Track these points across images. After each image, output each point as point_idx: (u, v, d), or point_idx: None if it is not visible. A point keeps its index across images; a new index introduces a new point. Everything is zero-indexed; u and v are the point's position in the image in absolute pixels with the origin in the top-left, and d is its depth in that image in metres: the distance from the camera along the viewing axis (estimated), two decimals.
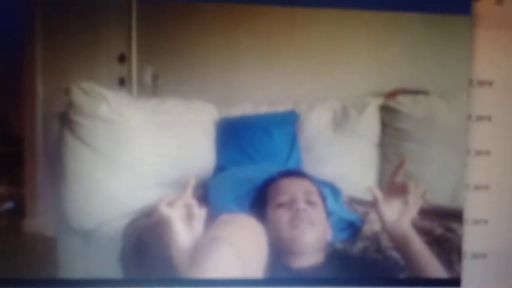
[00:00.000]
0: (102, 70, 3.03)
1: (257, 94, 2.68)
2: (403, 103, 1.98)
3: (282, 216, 1.18)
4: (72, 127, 1.64)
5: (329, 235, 1.24)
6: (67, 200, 1.61)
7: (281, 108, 2.22)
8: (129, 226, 1.48)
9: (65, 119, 1.67)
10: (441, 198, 1.71)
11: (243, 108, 2.30)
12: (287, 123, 2.07)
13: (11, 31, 3.43)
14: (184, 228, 1.05)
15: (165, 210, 1.05)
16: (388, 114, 2.01)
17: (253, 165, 1.84)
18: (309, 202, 1.22)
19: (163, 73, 2.99)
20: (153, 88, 2.96)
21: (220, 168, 1.92)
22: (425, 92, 2.10)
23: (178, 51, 2.92)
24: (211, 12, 2.74)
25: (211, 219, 1.09)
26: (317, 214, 1.21)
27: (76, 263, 1.68)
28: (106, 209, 1.59)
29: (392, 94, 2.13)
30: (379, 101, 2.06)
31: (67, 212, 1.62)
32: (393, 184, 1.17)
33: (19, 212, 3.34)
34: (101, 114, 1.64)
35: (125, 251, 1.40)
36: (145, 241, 1.31)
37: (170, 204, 1.07)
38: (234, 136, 2.00)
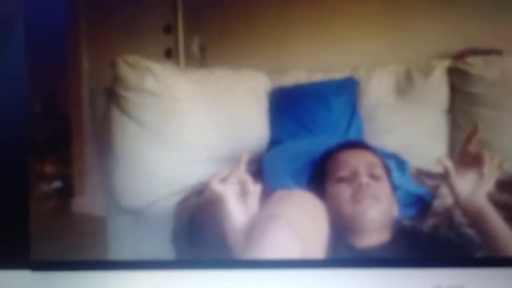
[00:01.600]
0: (147, 42, 3.09)
1: (311, 61, 2.64)
2: (474, 64, 1.92)
3: (343, 192, 1.16)
4: (119, 101, 1.65)
5: (395, 211, 1.19)
6: (115, 178, 1.64)
7: (338, 75, 2.20)
8: (181, 205, 1.51)
9: (112, 94, 1.68)
10: None
11: (297, 76, 2.30)
12: (345, 91, 2.04)
13: (54, 6, 3.52)
14: (238, 206, 1.03)
15: (217, 186, 1.04)
16: (457, 77, 1.96)
17: (310, 137, 1.84)
18: (373, 176, 1.16)
19: (211, 43, 3.01)
20: (201, 59, 2.99)
21: (274, 141, 1.93)
22: (498, 52, 2.04)
23: (225, 19, 2.92)
24: None
25: (266, 195, 1.07)
26: (382, 189, 1.18)
27: (126, 243, 1.74)
28: (156, 187, 1.62)
29: (461, 55, 2.08)
30: (447, 63, 2.01)
31: (116, 191, 1.65)
32: (465, 154, 1.13)
33: (67, 192, 3.48)
34: (148, 88, 1.64)
35: (177, 230, 1.43)
36: (197, 220, 1.33)
37: (223, 180, 1.06)
38: (289, 107, 2.00)
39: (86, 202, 3.29)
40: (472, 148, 1.09)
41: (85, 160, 3.40)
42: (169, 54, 3.13)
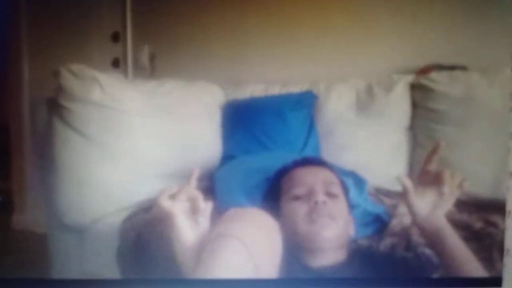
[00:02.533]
0: (94, 50, 3.07)
1: (268, 73, 2.65)
2: (438, 80, 1.97)
3: (298, 210, 1.16)
4: (62, 113, 1.63)
5: (351, 231, 1.18)
6: (58, 194, 1.62)
7: (296, 88, 2.23)
8: (127, 222, 1.50)
9: (54, 105, 1.66)
10: (481, 188, 1.70)
11: (253, 89, 2.32)
12: (303, 106, 2.06)
13: None
14: (188, 224, 1.04)
15: (166, 203, 1.04)
16: (420, 93, 2.01)
17: (265, 153, 1.85)
18: (329, 194, 1.19)
19: (161, 52, 3.00)
20: (151, 69, 2.98)
21: (227, 156, 1.94)
22: (463, 68, 2.10)
23: (177, 27, 2.92)
24: None
25: (218, 213, 1.08)
26: (338, 207, 1.17)
27: (70, 262, 1.71)
28: (101, 204, 1.61)
29: (424, 71, 2.13)
30: (409, 78, 2.06)
31: (59, 207, 1.63)
32: (426, 172, 1.13)
33: (7, 208, 3.41)
34: (94, 99, 1.63)
35: (122, 249, 1.42)
36: (144, 238, 1.32)
37: (172, 197, 1.04)
38: (243, 121, 2.02)
39: (28, 219, 3.22)
40: (433, 166, 1.12)
41: (26, 174, 3.31)
42: (117, 64, 3.10)
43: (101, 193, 1.60)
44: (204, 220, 1.07)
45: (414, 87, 2.03)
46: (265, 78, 2.38)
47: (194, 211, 1.07)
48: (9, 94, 3.45)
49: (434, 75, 2.00)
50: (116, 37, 3.11)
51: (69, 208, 1.61)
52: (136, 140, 1.69)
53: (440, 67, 2.11)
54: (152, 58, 2.93)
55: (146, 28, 2.97)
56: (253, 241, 0.98)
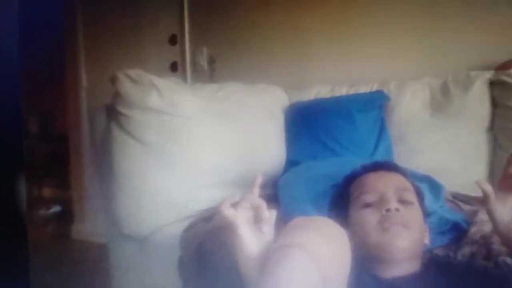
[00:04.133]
0: (151, 54, 3.17)
1: (335, 73, 2.64)
2: None
3: (369, 218, 1.15)
4: (120, 120, 1.68)
5: (427, 239, 1.18)
6: (117, 203, 1.67)
7: (365, 89, 2.24)
8: (188, 232, 1.52)
9: (112, 112, 1.72)
10: None
11: (318, 90, 2.35)
12: (373, 106, 2.05)
13: (50, 20, 3.63)
14: (251, 233, 1.04)
15: (229, 212, 1.05)
16: (500, 90, 1.97)
17: (332, 158, 1.84)
18: (402, 201, 1.17)
19: (220, 55, 3.05)
20: (210, 72, 3.03)
21: (292, 162, 1.95)
22: None
23: (236, 28, 2.97)
24: None
25: (282, 222, 1.06)
26: (412, 215, 1.15)
27: (130, 272, 1.76)
28: (161, 213, 1.65)
29: (504, 66, 2.10)
30: (489, 75, 2.02)
31: (118, 217, 1.68)
32: (507, 176, 1.11)
33: (66, 217, 3.54)
34: (152, 105, 1.67)
35: (184, 259, 1.44)
36: (206, 248, 1.34)
37: (235, 205, 1.05)
38: (308, 124, 2.02)
39: (87, 229, 3.35)
40: None
41: (85, 183, 3.45)
42: (175, 68, 3.20)
43: (161, 202, 1.64)
44: (268, 230, 1.06)
45: (494, 84, 1.99)
46: (331, 78, 2.38)
47: (257, 220, 1.07)
48: (67, 102, 3.61)
49: None
50: (173, 40, 3.20)
51: (129, 217, 1.66)
52: (196, 147, 1.72)
53: None
54: (211, 61, 2.98)
55: (204, 30, 3.03)
56: (320, 252, 0.97)
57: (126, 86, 1.69)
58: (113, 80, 1.71)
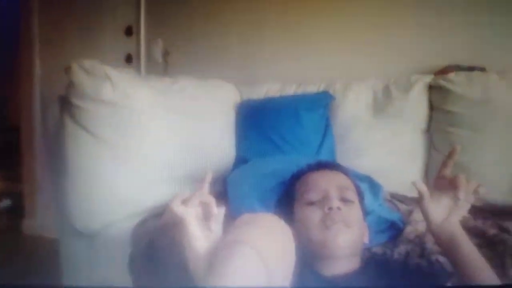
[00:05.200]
0: (107, 45, 3.08)
1: (284, 72, 2.61)
2: (456, 81, 1.95)
3: (312, 216, 1.16)
4: (73, 112, 1.64)
5: (366, 238, 1.20)
6: (69, 197, 1.63)
7: (312, 88, 2.24)
8: (139, 228, 1.51)
9: (66, 103, 1.67)
10: (497, 194, 1.72)
11: (269, 88, 2.33)
12: (319, 106, 2.06)
13: (4, 6, 3.50)
14: (200, 229, 1.01)
15: (179, 208, 1.03)
16: (437, 94, 2.00)
17: (279, 156, 1.85)
18: (344, 200, 1.18)
19: (175, 48, 3.00)
20: (164, 66, 2.98)
21: (241, 159, 1.95)
22: (481, 69, 2.10)
23: (192, 23, 2.92)
24: None
25: (231, 219, 1.05)
26: (353, 214, 1.16)
27: (80, 268, 1.73)
28: (113, 208, 1.62)
29: (442, 71, 2.13)
30: (428, 79, 2.05)
31: (70, 211, 1.64)
32: (441, 177, 1.12)
33: (17, 211, 3.44)
34: (105, 97, 1.63)
35: (134, 255, 1.42)
36: (157, 244, 1.32)
37: (185, 202, 1.05)
38: (258, 122, 2.02)
39: (38, 223, 3.26)
40: (448, 171, 1.12)
41: (36, 176, 3.35)
42: (130, 59, 3.12)
43: (112, 197, 1.62)
44: (217, 226, 1.06)
45: (432, 88, 2.03)
46: (281, 77, 2.38)
47: (206, 216, 1.06)
48: (20, 92, 3.47)
49: (452, 76, 1.99)
50: (129, 31, 3.13)
51: (80, 212, 1.63)
52: (148, 141, 1.69)
53: (459, 68, 2.11)
54: (166, 54, 2.94)
55: (160, 22, 2.98)
56: (266, 248, 0.97)
57: (80, 77, 1.64)
58: (68, 70, 1.65)
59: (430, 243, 1.28)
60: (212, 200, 1.07)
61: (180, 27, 2.88)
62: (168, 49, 2.92)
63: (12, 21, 3.45)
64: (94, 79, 1.65)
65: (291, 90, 2.24)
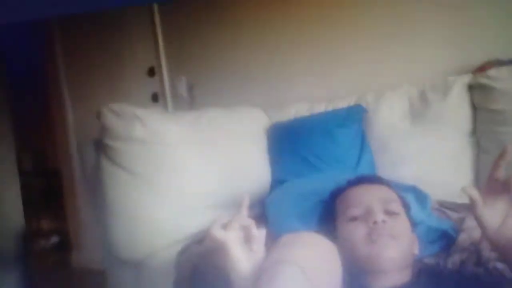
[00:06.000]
0: (132, 87, 3.20)
1: (312, 91, 2.60)
2: (498, 77, 1.92)
3: (357, 231, 1.16)
4: (108, 152, 1.74)
5: (416, 249, 1.20)
6: (112, 230, 1.72)
7: (342, 104, 2.23)
8: (182, 255, 1.55)
9: (100, 145, 1.77)
10: None
11: (297, 109, 2.35)
12: (352, 121, 2.06)
13: (32, 59, 3.68)
14: (243, 252, 1.03)
15: (219, 233, 1.02)
16: (479, 93, 1.97)
17: (317, 174, 1.86)
18: (389, 212, 1.18)
19: (198, 82, 3.07)
20: (190, 100, 3.05)
21: (277, 181, 1.98)
22: None
23: (212, 54, 2.98)
24: (245, 4, 2.77)
25: (272, 240, 1.09)
26: (400, 225, 1.16)
27: None
28: (154, 238, 1.69)
29: (481, 69, 2.09)
30: (466, 78, 2.02)
31: (114, 243, 1.72)
32: (494, 180, 1.09)
33: (65, 247, 3.62)
34: (137, 135, 1.73)
35: (179, 282, 1.46)
36: (200, 270, 1.35)
37: (225, 226, 1.05)
38: (290, 143, 2.04)
39: (85, 256, 3.38)
40: (501, 173, 1.08)
41: (80, 213, 3.50)
42: (156, 98, 3.24)
43: (153, 227, 1.69)
44: (259, 248, 1.07)
45: (473, 88, 2.00)
46: (309, 96, 2.39)
47: (248, 239, 1.07)
48: (56, 139, 3.67)
49: (493, 72, 1.95)
50: (152, 72, 3.25)
51: (123, 243, 1.71)
52: (182, 173, 1.76)
53: (499, 63, 2.07)
54: (190, 88, 3.02)
55: (181, 59, 3.06)
56: (311, 266, 0.98)
57: (111, 120, 1.75)
58: (99, 115, 1.77)
59: (486, 250, 1.26)
60: (251, 223, 1.08)
61: (201, 60, 2.95)
62: (192, 84, 2.98)
63: (40, 73, 3.62)
64: (124, 120, 1.75)
65: (320, 108, 2.25)
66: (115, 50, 3.22)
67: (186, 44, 3.00)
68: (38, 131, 4.30)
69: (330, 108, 2.22)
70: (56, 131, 3.59)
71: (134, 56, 3.22)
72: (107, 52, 3.24)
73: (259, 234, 1.09)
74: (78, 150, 3.17)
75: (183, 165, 1.77)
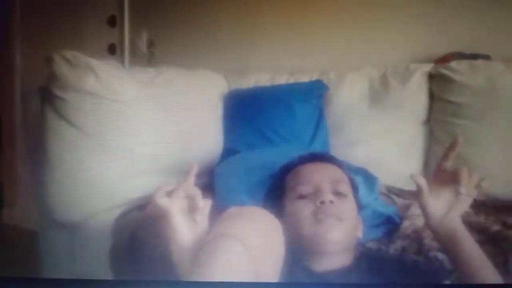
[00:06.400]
0: (89, 35, 3.09)
1: (275, 61, 2.59)
2: (458, 70, 1.95)
3: (304, 209, 1.16)
4: (55, 103, 1.65)
5: (360, 233, 1.20)
6: (49, 188, 1.64)
7: (304, 78, 2.23)
8: (121, 220, 1.52)
9: (47, 94, 1.68)
10: (501, 188, 1.71)
11: (258, 78, 2.34)
12: (312, 96, 2.06)
13: None
14: (185, 223, 1.02)
15: (163, 201, 1.00)
16: (438, 84, 2.00)
17: (269, 147, 1.86)
18: (337, 193, 1.18)
19: (160, 38, 3.01)
20: (149, 57, 2.99)
21: (229, 151, 1.96)
22: (485, 57, 2.09)
23: (177, 11, 2.92)
24: None
25: (217, 212, 1.06)
26: (346, 207, 1.16)
27: (60, 260, 1.73)
28: (94, 199, 1.63)
29: (443, 59, 2.12)
30: (427, 67, 2.05)
31: (50, 203, 1.65)
32: (442, 170, 1.11)
33: None
34: (88, 88, 1.64)
35: (116, 248, 1.43)
36: (139, 237, 1.33)
37: (169, 194, 1.01)
38: (247, 113, 2.02)
39: (18, 214, 3.29)
40: (450, 164, 1.11)
41: (17, 167, 3.38)
42: (113, 50, 3.13)
43: (94, 189, 1.62)
44: (203, 219, 1.06)
45: (433, 77, 2.02)
46: (272, 66, 2.37)
47: (192, 209, 1.06)
48: (0, 82, 3.51)
49: (454, 64, 1.98)
50: (112, 21, 3.13)
51: (61, 203, 1.64)
52: (132, 133, 1.70)
53: (461, 56, 2.10)
54: (150, 44, 2.94)
55: (144, 11, 2.98)
56: (254, 242, 0.97)
57: (61, 68, 1.65)
58: (49, 61, 1.67)
59: (428, 239, 1.28)
60: (198, 193, 1.07)
61: (165, 16, 2.87)
62: (153, 39, 2.92)
63: None
64: (76, 70, 1.66)
65: (282, 80, 2.25)
66: None
67: None
68: None
69: (291, 80, 2.23)
70: (0, 75, 3.44)
71: (96, 2, 3.10)
72: None
73: (204, 204, 1.07)
74: (22, 98, 3.07)
75: (134, 125, 1.71)
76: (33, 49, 3.11)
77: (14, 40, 3.29)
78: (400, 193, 1.65)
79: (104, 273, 1.41)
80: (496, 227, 1.40)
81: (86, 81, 1.65)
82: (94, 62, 1.69)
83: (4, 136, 3.39)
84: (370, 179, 1.55)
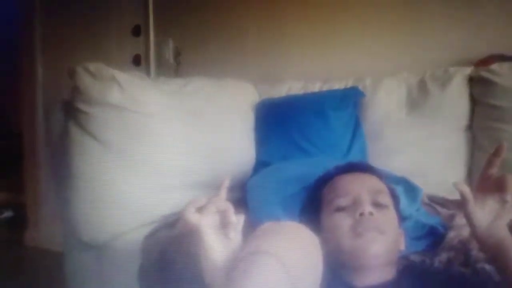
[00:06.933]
0: (113, 46, 3.11)
1: (307, 68, 2.61)
2: (500, 72, 1.92)
3: (342, 223, 1.14)
4: (79, 117, 1.65)
5: (402, 245, 1.18)
6: (75, 208, 1.64)
7: (339, 85, 2.22)
8: (150, 238, 1.51)
9: (70, 109, 1.68)
10: None
11: (290, 86, 2.33)
12: (347, 104, 2.05)
13: (5, 8, 3.57)
14: (217, 239, 1.00)
15: (193, 217, 0.99)
16: (480, 87, 1.98)
17: (304, 158, 1.84)
18: (377, 204, 1.17)
19: (187, 47, 3.02)
20: (175, 66, 3.00)
21: (261, 163, 1.95)
22: None
23: (204, 19, 2.94)
24: None
25: (251, 227, 1.05)
26: (387, 219, 1.14)
27: (87, 282, 1.73)
28: (122, 218, 1.63)
29: (484, 62, 2.11)
30: (467, 71, 2.03)
31: (75, 223, 1.64)
32: (486, 178, 1.09)
33: (19, 223, 3.48)
34: (113, 101, 1.65)
35: (145, 268, 1.43)
36: (169, 256, 1.33)
37: (200, 209, 1.01)
38: (279, 123, 2.01)
39: (42, 235, 3.30)
40: (495, 171, 1.08)
41: (40, 186, 3.39)
42: (138, 61, 3.16)
43: (122, 207, 1.62)
44: (236, 235, 1.05)
45: (473, 81, 2.00)
46: (303, 73, 2.37)
47: (224, 225, 1.05)
48: (22, 98, 3.53)
49: (495, 66, 1.96)
50: (137, 31, 3.16)
51: (87, 223, 1.63)
52: (159, 147, 1.70)
53: (502, 58, 2.07)
54: (177, 54, 2.96)
55: (170, 20, 3.00)
56: (290, 259, 0.96)
57: (85, 81, 1.66)
58: (71, 74, 1.68)
59: (475, 250, 1.26)
60: (229, 207, 1.06)
61: (191, 25, 2.89)
62: (179, 49, 2.93)
63: (12, 23, 3.51)
64: (100, 83, 1.67)
65: (315, 87, 2.23)
66: (99, 3, 3.13)
67: (178, 5, 2.94)
68: (1, 87, 4.15)
69: (325, 88, 2.22)
70: (22, 89, 3.45)
71: (120, 12, 3.12)
72: (91, 5, 3.15)
73: (237, 220, 1.06)
74: (44, 113, 3.10)
75: (162, 138, 1.71)
76: (56, 62, 3.14)
77: (35, 52, 3.32)
78: (444, 202, 1.63)
79: None
80: None
81: (111, 94, 1.65)
82: (118, 74, 1.69)
83: (26, 153, 3.40)
84: (411, 189, 1.53)
